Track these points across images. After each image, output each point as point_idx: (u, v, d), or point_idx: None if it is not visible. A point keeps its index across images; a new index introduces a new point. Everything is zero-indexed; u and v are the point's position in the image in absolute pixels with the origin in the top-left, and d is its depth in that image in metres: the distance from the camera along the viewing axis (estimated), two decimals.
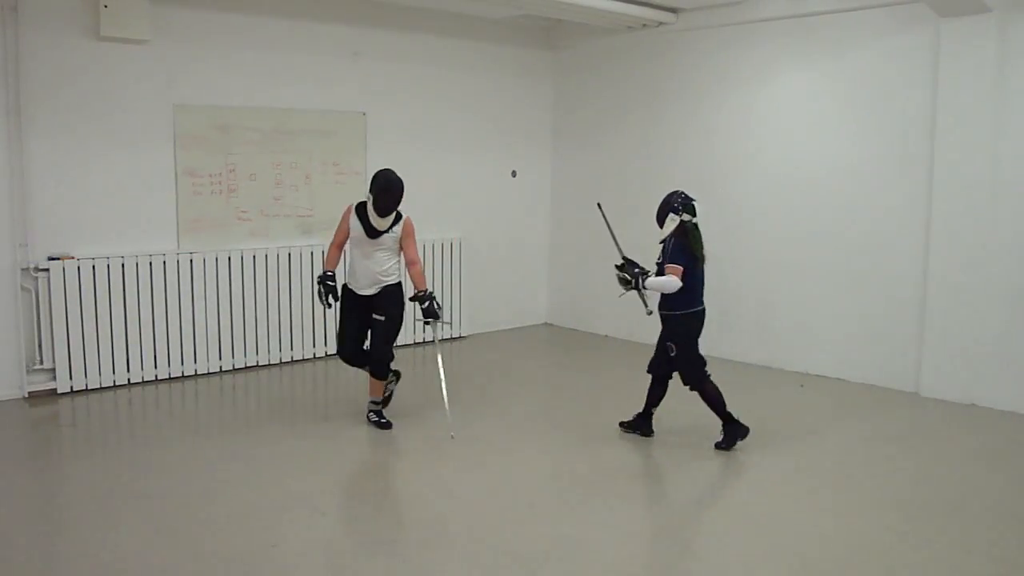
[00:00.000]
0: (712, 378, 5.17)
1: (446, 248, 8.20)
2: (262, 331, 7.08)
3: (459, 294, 8.34)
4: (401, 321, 5.54)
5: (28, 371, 6.10)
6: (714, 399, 5.17)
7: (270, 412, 6.13)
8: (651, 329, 8.46)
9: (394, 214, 5.32)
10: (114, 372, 6.36)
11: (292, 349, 7.27)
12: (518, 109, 8.77)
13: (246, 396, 6.50)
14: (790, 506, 4.36)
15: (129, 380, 6.43)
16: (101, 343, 6.28)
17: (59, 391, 6.14)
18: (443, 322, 5.94)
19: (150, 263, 6.46)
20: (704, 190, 7.72)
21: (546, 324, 9.15)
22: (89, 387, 6.25)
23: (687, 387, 5.19)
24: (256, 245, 7.04)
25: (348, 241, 5.43)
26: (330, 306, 5.51)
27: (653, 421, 5.41)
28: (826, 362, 6.94)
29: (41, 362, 6.14)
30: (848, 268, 6.76)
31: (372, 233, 5.29)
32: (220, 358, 6.89)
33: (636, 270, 5.37)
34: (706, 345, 7.77)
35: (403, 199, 5.30)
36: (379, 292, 5.36)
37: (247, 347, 7.01)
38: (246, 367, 7.02)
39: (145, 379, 6.50)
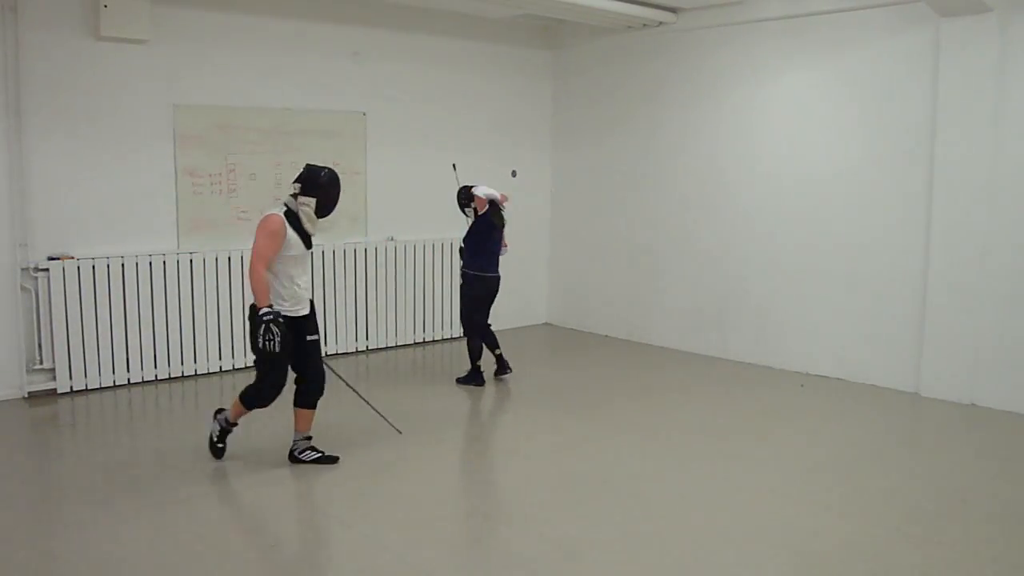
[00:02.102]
0: (482, 338, 6.51)
1: (446, 248, 8.20)
2: None
3: (459, 294, 8.32)
4: None
5: (28, 371, 6.10)
6: (473, 351, 6.52)
7: (270, 412, 6.12)
8: (651, 329, 8.52)
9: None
10: (114, 372, 6.36)
11: None
12: (518, 109, 8.77)
13: None
14: (790, 506, 4.36)
15: (129, 380, 6.43)
16: (101, 343, 6.28)
17: (59, 391, 6.14)
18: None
19: (150, 263, 6.46)
20: (704, 190, 7.75)
21: (546, 324, 9.15)
22: (89, 387, 6.25)
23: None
24: None
25: (277, 261, 4.54)
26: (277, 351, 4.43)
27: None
28: (826, 362, 6.94)
29: (41, 362, 6.14)
30: (848, 268, 6.76)
31: (309, 243, 4.70)
32: (220, 358, 6.89)
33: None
34: (706, 345, 7.87)
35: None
36: (310, 310, 4.77)
37: (247, 347, 6.99)
38: (246, 367, 7.01)
39: (145, 379, 6.50)
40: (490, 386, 6.62)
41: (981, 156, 5.96)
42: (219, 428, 4.88)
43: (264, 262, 4.45)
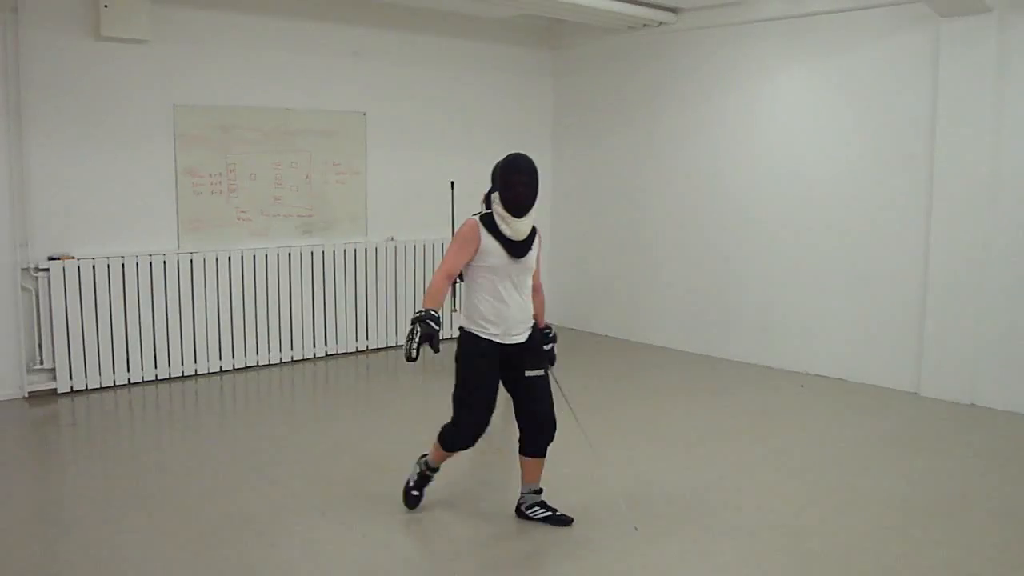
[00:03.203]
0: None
1: (446, 248, 8.17)
2: (262, 331, 7.08)
3: (459, 294, 8.33)
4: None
5: (28, 371, 6.10)
6: None
7: (270, 412, 6.13)
8: (651, 329, 8.53)
9: (534, 214, 3.86)
10: (114, 372, 6.36)
11: (292, 349, 7.27)
12: (518, 109, 8.77)
13: (246, 396, 6.50)
14: (790, 506, 4.36)
15: (129, 380, 6.43)
16: (101, 343, 6.28)
17: (59, 391, 6.14)
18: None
19: (150, 263, 6.46)
20: (704, 189, 7.75)
21: (546, 324, 9.14)
22: (89, 387, 6.25)
23: None
24: (256, 245, 7.04)
25: (471, 274, 3.86)
26: (416, 360, 3.58)
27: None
28: (826, 362, 6.94)
29: (41, 362, 6.14)
30: (848, 268, 6.76)
31: (519, 251, 3.82)
32: (220, 358, 6.89)
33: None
34: (706, 345, 7.87)
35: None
36: (530, 337, 3.93)
37: (247, 347, 7.01)
38: (246, 367, 7.02)
39: (145, 379, 6.50)
40: None
41: (981, 156, 5.95)
42: (417, 473, 4.19)
43: (445, 272, 3.74)
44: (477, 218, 3.84)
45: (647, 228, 8.23)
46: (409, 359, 3.54)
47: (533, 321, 3.97)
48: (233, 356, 6.95)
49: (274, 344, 7.16)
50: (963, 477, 4.77)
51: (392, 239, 7.88)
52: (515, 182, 3.77)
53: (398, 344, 7.93)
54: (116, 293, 6.33)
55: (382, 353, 7.74)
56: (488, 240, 3.77)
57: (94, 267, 6.22)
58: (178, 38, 6.54)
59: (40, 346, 6.12)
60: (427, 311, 3.59)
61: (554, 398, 3.96)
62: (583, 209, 8.83)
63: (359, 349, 7.69)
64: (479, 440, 3.93)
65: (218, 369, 6.88)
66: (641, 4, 7.24)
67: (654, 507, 4.32)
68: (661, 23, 7.57)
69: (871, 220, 6.61)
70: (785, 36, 7.02)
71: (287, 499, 4.38)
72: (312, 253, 7.32)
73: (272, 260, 7.09)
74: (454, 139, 8.24)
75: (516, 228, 3.77)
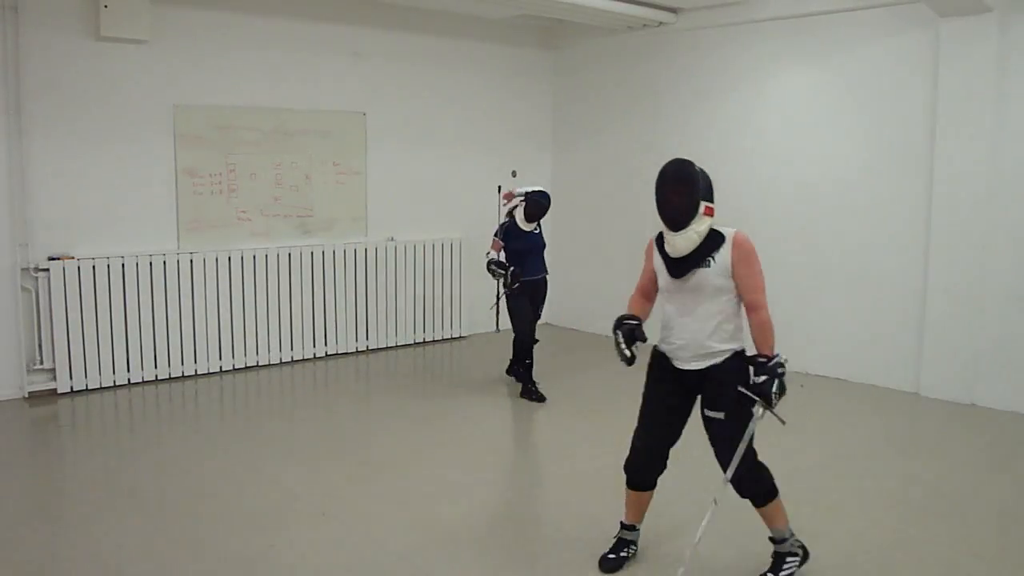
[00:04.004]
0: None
1: (446, 248, 8.20)
2: (262, 331, 7.08)
3: (459, 294, 8.34)
4: (751, 417, 3.34)
5: (28, 371, 6.10)
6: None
7: (270, 412, 6.13)
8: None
9: (704, 228, 3.26)
10: (114, 372, 6.36)
11: (292, 349, 7.27)
12: (518, 109, 8.77)
13: (246, 396, 6.50)
14: (790, 506, 4.35)
15: (129, 380, 6.43)
16: (101, 343, 6.28)
17: (59, 391, 6.14)
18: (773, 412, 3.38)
19: (150, 263, 6.46)
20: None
21: (546, 324, 9.14)
22: (89, 387, 6.25)
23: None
24: (256, 245, 7.04)
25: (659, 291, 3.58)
26: (632, 359, 3.40)
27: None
28: (826, 362, 6.94)
29: (41, 362, 6.14)
30: (848, 268, 6.76)
31: (676, 270, 3.36)
32: (220, 358, 6.89)
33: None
34: None
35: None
36: (708, 370, 3.38)
37: (247, 347, 7.01)
38: (246, 367, 7.02)
39: (145, 379, 6.50)
40: (489, 387, 6.62)
41: (981, 156, 5.95)
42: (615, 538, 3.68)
43: (636, 287, 3.62)
44: (655, 235, 3.51)
45: (647, 227, 8.19)
46: (626, 361, 3.36)
47: (725, 351, 3.40)
48: (233, 356, 6.95)
49: (274, 344, 7.16)
50: (963, 477, 4.77)
51: (392, 239, 7.88)
52: (661, 190, 3.30)
53: (398, 344, 7.93)
54: (116, 293, 6.33)
55: (382, 353, 7.74)
56: (656, 258, 3.47)
57: (94, 267, 6.22)
58: (178, 38, 6.54)
59: (40, 346, 6.12)
60: (621, 316, 3.41)
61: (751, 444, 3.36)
62: (583, 209, 8.83)
63: (359, 349, 7.69)
64: (657, 479, 3.52)
65: (218, 369, 6.88)
66: (641, 4, 7.25)
67: (652, 506, 4.31)
68: (661, 23, 7.57)
69: (871, 220, 6.61)
70: (785, 36, 7.02)
71: (287, 499, 4.38)
72: (312, 253, 7.32)
73: (272, 260, 7.09)
74: (454, 139, 8.24)
75: (673, 244, 3.30)
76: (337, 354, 7.53)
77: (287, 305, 7.21)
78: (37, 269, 6.05)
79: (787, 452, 5.18)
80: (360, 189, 7.68)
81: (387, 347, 7.88)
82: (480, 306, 8.52)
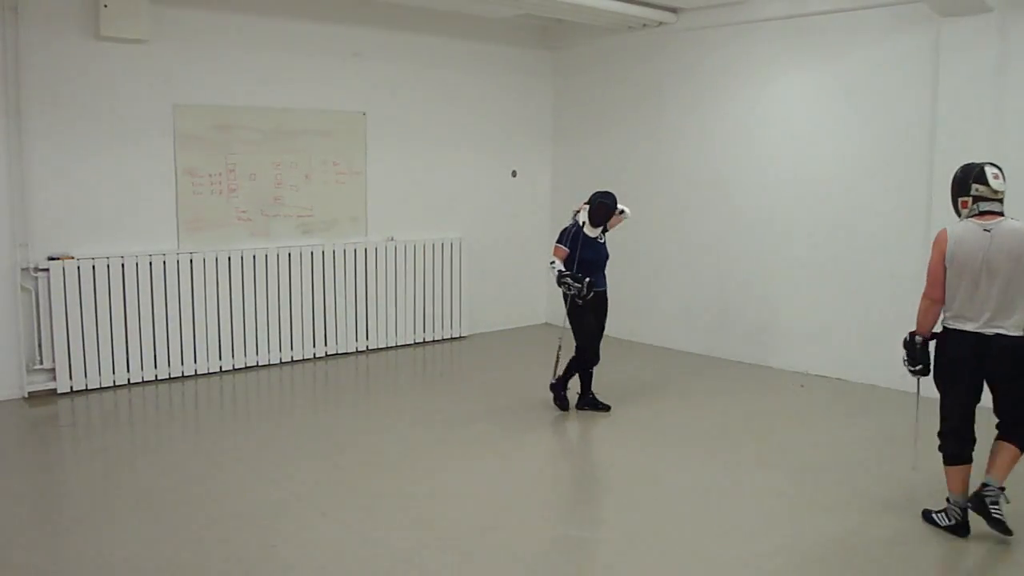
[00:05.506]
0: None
1: (446, 248, 8.20)
2: (262, 331, 7.08)
3: (459, 294, 8.34)
4: None
5: (28, 371, 6.10)
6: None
7: (270, 412, 6.13)
8: (651, 329, 8.52)
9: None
10: (114, 372, 6.36)
11: (292, 349, 7.27)
12: (518, 109, 8.77)
13: (246, 396, 6.50)
14: (790, 506, 4.36)
15: (129, 380, 6.43)
16: (101, 343, 6.28)
17: (59, 391, 6.14)
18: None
19: (150, 263, 6.46)
20: (703, 189, 7.75)
21: (546, 324, 9.14)
22: (89, 387, 6.25)
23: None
24: (256, 245, 7.04)
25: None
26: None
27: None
28: (826, 362, 6.94)
29: (41, 362, 6.14)
30: (848, 268, 6.76)
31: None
32: (220, 358, 6.89)
33: None
34: (707, 345, 7.87)
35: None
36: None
37: (247, 347, 7.00)
38: (246, 367, 7.02)
39: (145, 379, 6.50)
40: (488, 387, 6.63)
41: (981, 156, 5.91)
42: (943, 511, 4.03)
43: (929, 288, 4.37)
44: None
45: (647, 227, 8.21)
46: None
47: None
48: (233, 356, 6.95)
49: (274, 344, 7.16)
50: None
51: (392, 239, 7.88)
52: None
53: (398, 344, 7.93)
54: (116, 293, 6.33)
55: (382, 353, 7.74)
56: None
57: (94, 267, 6.22)
58: (178, 38, 6.54)
59: (40, 346, 6.12)
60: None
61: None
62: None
63: (359, 349, 7.68)
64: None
65: (218, 369, 6.87)
66: (641, 4, 7.24)
67: (652, 506, 4.31)
68: (661, 23, 7.57)
69: (871, 219, 6.60)
70: (785, 36, 7.02)
71: (287, 499, 4.37)
72: (312, 253, 7.32)
73: (272, 260, 7.09)
74: (454, 139, 8.24)
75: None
76: (337, 354, 7.53)
77: (287, 305, 7.20)
78: (37, 269, 6.04)
79: (787, 452, 5.18)
80: (360, 189, 7.68)
81: (387, 347, 7.88)
82: (480, 306, 8.55)
